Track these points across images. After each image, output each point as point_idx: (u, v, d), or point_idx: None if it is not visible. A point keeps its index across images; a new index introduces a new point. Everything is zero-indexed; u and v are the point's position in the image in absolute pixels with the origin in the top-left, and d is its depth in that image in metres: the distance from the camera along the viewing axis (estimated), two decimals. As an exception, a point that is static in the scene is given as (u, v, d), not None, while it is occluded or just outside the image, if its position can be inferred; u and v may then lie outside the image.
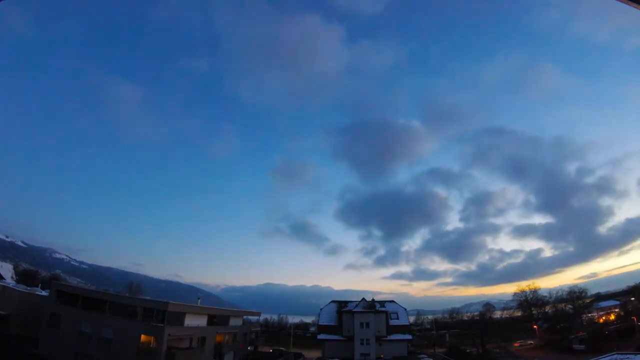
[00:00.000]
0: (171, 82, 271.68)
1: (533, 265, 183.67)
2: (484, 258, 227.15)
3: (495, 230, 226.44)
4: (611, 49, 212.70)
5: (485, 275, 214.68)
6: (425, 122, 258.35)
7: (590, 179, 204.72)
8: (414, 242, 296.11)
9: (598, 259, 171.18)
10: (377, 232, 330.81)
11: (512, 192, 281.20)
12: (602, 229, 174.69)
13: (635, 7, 6.30)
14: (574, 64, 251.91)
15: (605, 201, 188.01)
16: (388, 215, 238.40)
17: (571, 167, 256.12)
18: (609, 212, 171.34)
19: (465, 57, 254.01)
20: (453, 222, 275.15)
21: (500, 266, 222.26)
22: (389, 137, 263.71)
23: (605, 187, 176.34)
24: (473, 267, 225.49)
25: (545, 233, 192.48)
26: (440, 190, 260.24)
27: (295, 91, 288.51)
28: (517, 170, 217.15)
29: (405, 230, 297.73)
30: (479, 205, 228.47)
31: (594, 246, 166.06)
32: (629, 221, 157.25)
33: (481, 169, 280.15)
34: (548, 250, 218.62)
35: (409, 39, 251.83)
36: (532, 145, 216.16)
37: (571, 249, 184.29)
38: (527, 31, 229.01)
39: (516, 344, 68.55)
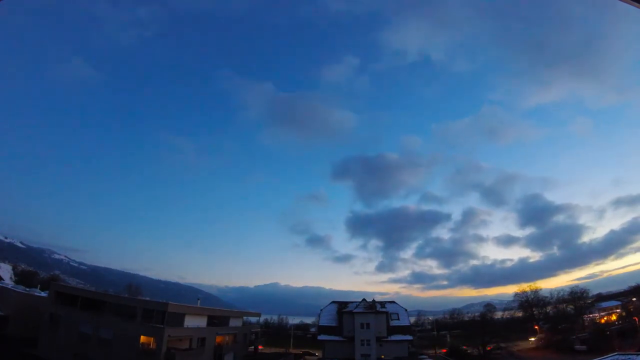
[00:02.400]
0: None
1: (531, 269, 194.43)
2: (484, 263, 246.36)
3: (486, 240, 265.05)
4: (571, 107, 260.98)
5: (486, 278, 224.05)
6: (416, 159, 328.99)
7: (573, 201, 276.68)
8: (412, 250, 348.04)
9: (596, 261, 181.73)
10: (379, 243, 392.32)
11: (503, 212, 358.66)
12: (593, 237, 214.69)
13: (636, 7, 6.26)
14: (540, 119, 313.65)
15: (591, 217, 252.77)
16: (389, 229, 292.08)
17: (552, 196, 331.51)
18: (598, 226, 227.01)
19: (442, 116, 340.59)
20: (448, 233, 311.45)
21: (502, 268, 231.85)
22: (388, 168, 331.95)
23: (586, 208, 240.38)
24: (473, 271, 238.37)
25: (531, 241, 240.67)
26: (435, 209, 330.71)
27: (311, 140, 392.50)
28: (502, 196, 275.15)
29: (403, 241, 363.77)
30: (471, 221, 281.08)
31: (589, 251, 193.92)
32: (612, 232, 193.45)
33: (469, 195, 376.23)
34: (543, 255, 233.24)
35: (394, 107, 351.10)
36: (514, 178, 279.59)
37: (558, 254, 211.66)
38: (488, 101, 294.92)
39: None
